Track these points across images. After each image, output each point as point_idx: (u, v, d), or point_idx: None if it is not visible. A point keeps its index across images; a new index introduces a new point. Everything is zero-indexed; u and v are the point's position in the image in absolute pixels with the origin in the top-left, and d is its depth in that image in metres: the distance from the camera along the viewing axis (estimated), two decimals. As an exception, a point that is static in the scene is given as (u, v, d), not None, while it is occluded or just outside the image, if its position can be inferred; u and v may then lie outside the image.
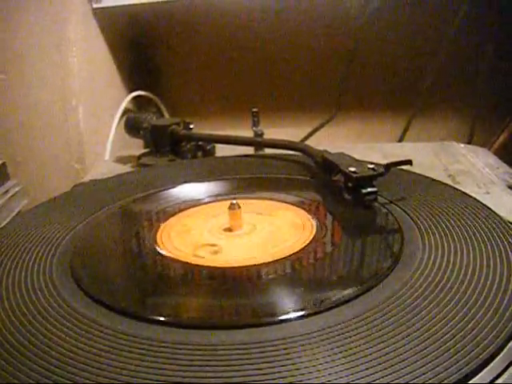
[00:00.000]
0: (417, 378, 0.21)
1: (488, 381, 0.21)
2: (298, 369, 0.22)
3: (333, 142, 0.81)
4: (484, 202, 0.38)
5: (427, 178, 0.44)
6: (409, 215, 0.37)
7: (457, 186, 0.43)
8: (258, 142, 0.59)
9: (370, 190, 0.38)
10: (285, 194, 0.43)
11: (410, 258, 0.31)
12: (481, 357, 0.22)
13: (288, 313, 0.26)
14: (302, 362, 0.22)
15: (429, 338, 0.23)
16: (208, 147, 0.60)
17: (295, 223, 0.38)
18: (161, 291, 0.32)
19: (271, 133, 0.61)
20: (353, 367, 0.22)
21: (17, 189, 0.54)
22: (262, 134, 0.60)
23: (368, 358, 0.22)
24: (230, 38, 0.86)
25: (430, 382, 0.21)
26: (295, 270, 0.32)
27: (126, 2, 0.74)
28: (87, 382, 0.22)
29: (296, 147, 0.53)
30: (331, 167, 0.43)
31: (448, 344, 0.23)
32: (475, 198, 0.39)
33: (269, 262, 0.32)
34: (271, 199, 0.43)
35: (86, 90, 0.71)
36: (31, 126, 0.69)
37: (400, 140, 0.84)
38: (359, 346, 0.23)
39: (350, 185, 0.40)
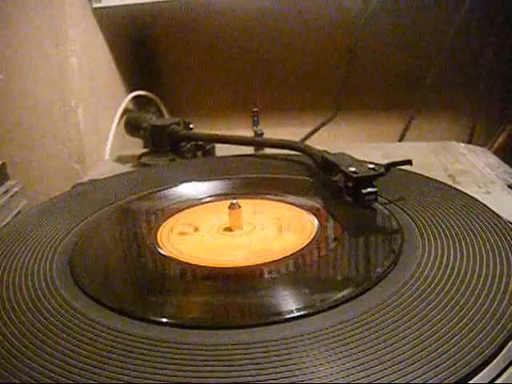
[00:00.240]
0: (417, 378, 0.21)
1: (488, 381, 0.22)
2: (299, 368, 0.22)
3: (333, 141, 0.81)
4: (484, 201, 0.38)
5: (427, 178, 0.44)
6: (409, 215, 0.37)
7: (457, 186, 0.43)
8: (257, 142, 0.59)
9: (370, 190, 0.39)
10: (285, 194, 0.43)
11: (409, 257, 0.31)
12: (481, 357, 0.22)
13: (288, 313, 0.26)
14: (303, 362, 0.22)
15: (429, 338, 0.23)
16: (208, 147, 0.60)
17: (295, 223, 0.38)
18: (161, 291, 0.32)
19: (271, 133, 0.61)
20: (353, 367, 0.22)
21: (16, 189, 0.54)
22: (261, 134, 0.60)
23: (369, 357, 0.22)
24: (229, 38, 0.86)
25: (430, 382, 0.21)
26: (295, 271, 0.32)
27: (126, 2, 0.73)
28: (87, 381, 0.22)
29: (296, 147, 0.53)
30: (331, 167, 0.43)
31: (448, 344, 0.23)
32: (475, 198, 0.39)
33: (269, 262, 0.32)
34: (271, 199, 0.43)
35: (85, 90, 0.71)
36: (31, 125, 0.69)
37: (400, 140, 0.84)
38: (360, 345, 0.23)
39: (350, 185, 0.40)
